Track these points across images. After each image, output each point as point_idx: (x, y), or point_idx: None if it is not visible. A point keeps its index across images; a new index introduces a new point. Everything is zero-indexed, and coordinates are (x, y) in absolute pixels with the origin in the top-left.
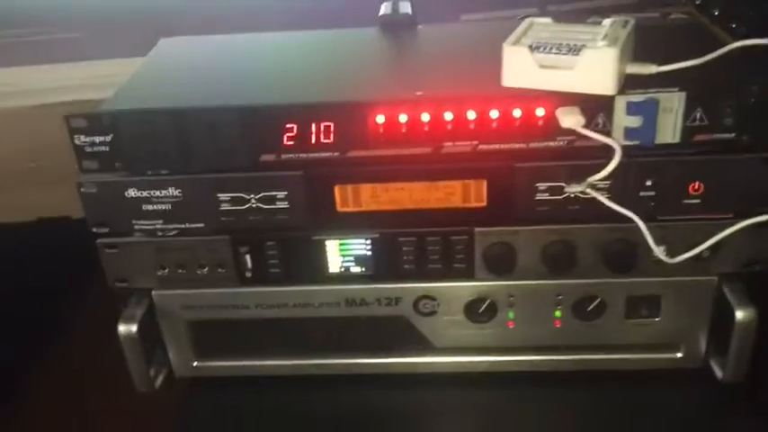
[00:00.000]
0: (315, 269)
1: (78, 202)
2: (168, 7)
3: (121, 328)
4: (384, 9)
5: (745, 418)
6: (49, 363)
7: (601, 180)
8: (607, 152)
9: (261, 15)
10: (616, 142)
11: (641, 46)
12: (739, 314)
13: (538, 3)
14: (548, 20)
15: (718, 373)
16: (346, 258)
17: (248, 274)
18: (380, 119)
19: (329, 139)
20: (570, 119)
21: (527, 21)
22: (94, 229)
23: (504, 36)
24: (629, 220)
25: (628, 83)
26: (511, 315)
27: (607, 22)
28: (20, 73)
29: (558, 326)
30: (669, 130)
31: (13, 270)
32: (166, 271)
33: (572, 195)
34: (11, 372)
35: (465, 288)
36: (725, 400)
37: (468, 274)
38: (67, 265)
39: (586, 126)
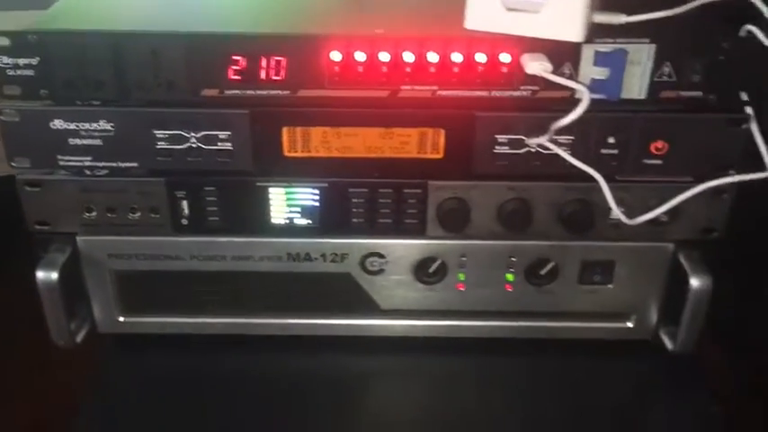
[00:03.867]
0: (257, 219)
1: None
2: None
3: (40, 275)
4: None
5: (690, 389)
6: None
7: (562, 134)
8: (572, 105)
9: None
10: (584, 87)
11: None
12: (694, 282)
13: None
14: None
15: (669, 344)
16: (291, 208)
17: (184, 222)
18: (336, 56)
19: (279, 75)
20: (536, 65)
21: None
22: (14, 164)
23: None
24: (589, 179)
25: (596, 33)
26: (461, 277)
27: None
28: None
29: (509, 290)
30: (636, 84)
31: None
32: (93, 214)
33: (532, 150)
34: None
35: (415, 246)
36: (673, 372)
37: (420, 231)
38: None
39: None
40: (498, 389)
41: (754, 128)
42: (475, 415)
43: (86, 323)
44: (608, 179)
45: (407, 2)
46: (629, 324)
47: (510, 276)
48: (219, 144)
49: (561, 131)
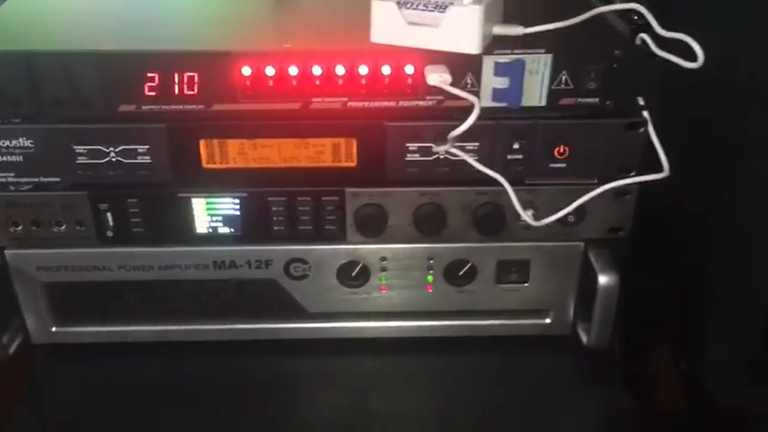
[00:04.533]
0: (181, 229)
1: None
2: None
3: None
4: None
5: (606, 383)
6: None
7: (468, 141)
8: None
9: None
10: (475, 97)
11: (512, 8)
12: (602, 279)
13: None
14: None
15: (584, 338)
16: (214, 218)
17: (109, 233)
18: (246, 71)
19: (193, 90)
20: (436, 76)
21: None
22: None
23: None
24: (499, 183)
25: (497, 44)
26: (383, 280)
27: None
28: None
29: (430, 291)
30: (536, 92)
31: None
32: (20, 228)
33: (441, 157)
34: None
35: (337, 251)
36: (590, 365)
37: (340, 237)
38: None
39: (454, 85)
40: (425, 386)
41: (652, 131)
42: (404, 412)
43: (19, 334)
44: (517, 183)
45: (315, 17)
46: (548, 320)
47: (430, 278)
48: (139, 158)
49: (467, 138)
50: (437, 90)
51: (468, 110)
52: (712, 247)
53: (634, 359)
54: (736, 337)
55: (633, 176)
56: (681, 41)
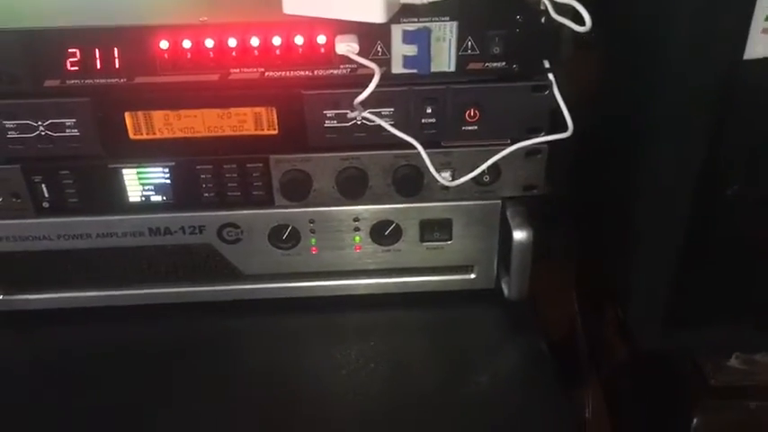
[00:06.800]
0: (115, 198)
1: None
2: None
3: None
4: None
5: (526, 333)
6: None
7: (384, 107)
8: (387, 80)
9: None
10: (375, 65)
11: None
12: (517, 235)
13: None
14: None
15: (506, 291)
16: (146, 187)
17: (45, 204)
18: (164, 44)
19: (115, 64)
20: (344, 45)
21: None
22: None
23: None
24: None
25: (406, 13)
26: (313, 241)
27: None
28: None
29: (358, 251)
30: (444, 58)
31: None
32: None
33: (358, 122)
34: None
35: (266, 215)
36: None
37: (268, 202)
38: None
39: (365, 54)
40: (358, 341)
41: (557, 92)
42: (338, 365)
43: None
44: (433, 146)
45: None
46: (473, 276)
47: (357, 238)
48: (67, 131)
49: (383, 104)
50: (350, 59)
51: (384, 77)
52: (633, 200)
53: (593, 310)
54: (654, 286)
55: (541, 136)
56: None
